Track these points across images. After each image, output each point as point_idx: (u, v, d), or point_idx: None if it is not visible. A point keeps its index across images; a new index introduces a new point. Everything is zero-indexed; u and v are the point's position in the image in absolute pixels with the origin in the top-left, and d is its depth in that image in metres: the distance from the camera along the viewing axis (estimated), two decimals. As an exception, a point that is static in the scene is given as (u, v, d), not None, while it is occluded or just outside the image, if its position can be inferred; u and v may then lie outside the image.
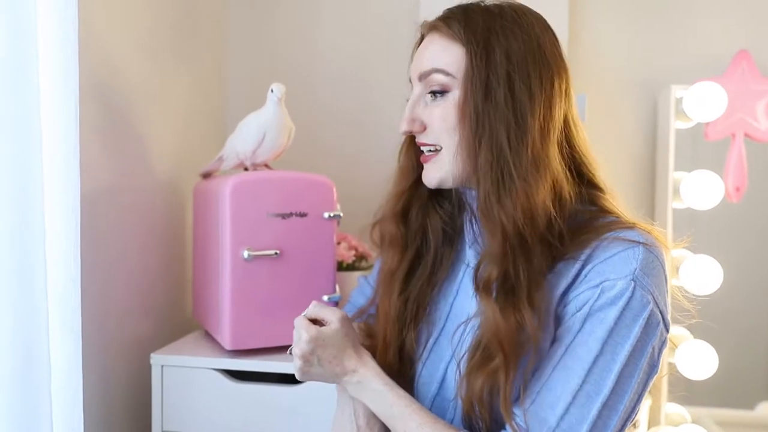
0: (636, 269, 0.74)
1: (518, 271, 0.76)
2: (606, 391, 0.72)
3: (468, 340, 0.82)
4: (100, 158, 1.17)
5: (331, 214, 1.19)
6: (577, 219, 0.81)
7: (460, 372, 0.81)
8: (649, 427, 1.54)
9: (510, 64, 0.78)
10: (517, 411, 0.74)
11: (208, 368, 1.16)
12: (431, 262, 0.93)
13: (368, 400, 0.85)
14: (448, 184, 0.84)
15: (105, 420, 1.19)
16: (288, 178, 1.19)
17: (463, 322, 0.84)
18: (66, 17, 0.85)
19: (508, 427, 0.74)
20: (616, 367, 0.72)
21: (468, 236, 0.89)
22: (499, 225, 0.77)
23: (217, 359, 1.16)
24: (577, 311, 0.75)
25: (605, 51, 1.67)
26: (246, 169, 1.28)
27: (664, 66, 1.66)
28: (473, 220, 0.85)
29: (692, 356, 1.45)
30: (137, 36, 1.30)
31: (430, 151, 0.84)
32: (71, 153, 0.87)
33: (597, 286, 0.75)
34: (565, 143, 0.83)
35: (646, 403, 1.51)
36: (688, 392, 1.51)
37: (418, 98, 0.84)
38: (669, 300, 0.79)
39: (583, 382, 0.72)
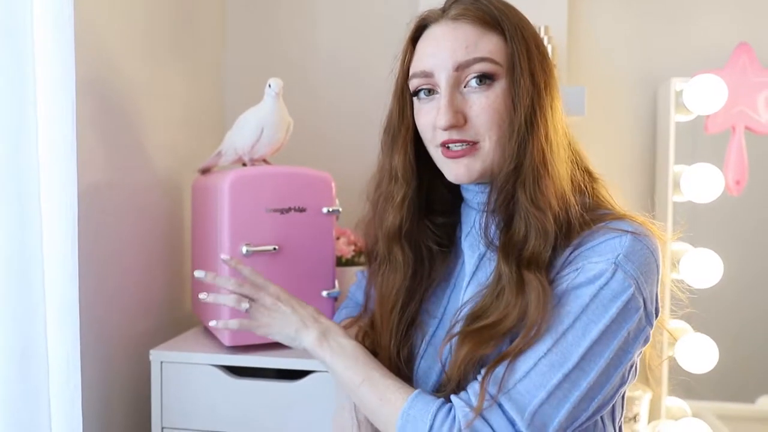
0: (620, 254, 0.74)
1: (529, 259, 0.78)
2: (570, 364, 0.72)
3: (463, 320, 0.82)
4: (98, 154, 1.17)
5: (330, 209, 1.19)
6: (571, 211, 0.81)
7: (451, 345, 0.82)
8: (649, 421, 1.54)
9: (539, 54, 0.81)
10: (488, 373, 0.75)
11: (207, 364, 1.15)
12: (428, 271, 0.92)
13: (329, 352, 0.86)
14: (485, 178, 0.83)
15: (104, 416, 1.19)
16: (286, 173, 1.18)
17: (459, 308, 0.84)
18: (62, 12, 0.84)
19: (470, 386, 0.76)
20: (585, 343, 0.72)
21: (470, 231, 0.89)
22: (546, 211, 0.77)
23: (216, 355, 1.15)
24: (557, 288, 0.76)
25: (605, 43, 1.66)
26: (244, 164, 1.28)
27: (664, 58, 1.65)
28: (485, 218, 0.84)
29: (693, 350, 1.45)
30: (135, 31, 1.29)
31: (462, 145, 0.81)
32: (68, 149, 0.87)
33: (578, 268, 0.76)
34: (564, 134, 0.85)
35: (645, 397, 1.51)
36: (688, 386, 1.51)
37: (454, 90, 0.81)
38: (658, 291, 0.78)
39: (549, 351, 0.73)
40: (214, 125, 1.67)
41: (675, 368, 1.47)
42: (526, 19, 0.84)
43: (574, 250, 0.78)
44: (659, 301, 0.79)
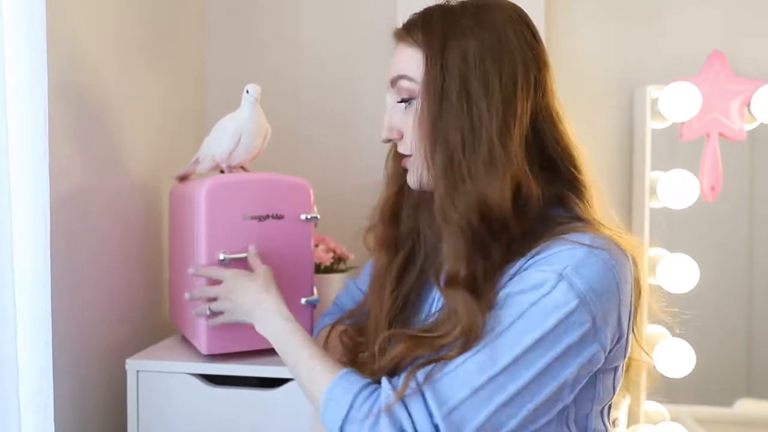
0: (568, 266, 0.72)
1: (476, 271, 0.76)
2: (498, 367, 0.71)
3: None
4: (73, 160, 1.15)
5: (308, 216, 1.18)
6: (546, 224, 0.80)
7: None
8: (628, 426, 1.54)
9: (465, 65, 0.77)
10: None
11: (184, 373, 1.14)
12: (421, 262, 0.92)
13: (270, 334, 0.91)
14: (426, 188, 0.84)
15: (78, 427, 1.17)
16: (264, 180, 1.18)
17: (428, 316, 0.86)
18: (33, 14, 0.83)
19: (403, 374, 0.76)
20: (517, 349, 0.71)
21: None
22: (457, 226, 0.77)
23: (194, 364, 1.14)
24: (500, 294, 0.76)
25: (581, 50, 1.68)
26: (222, 171, 1.27)
27: (639, 66, 1.67)
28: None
29: (670, 354, 1.46)
30: (111, 34, 1.28)
31: (406, 155, 0.86)
32: (40, 154, 0.86)
33: (526, 274, 0.75)
34: (536, 138, 0.81)
35: (624, 402, 1.52)
36: (666, 390, 1.52)
37: (393, 106, 0.84)
38: (622, 312, 0.75)
39: (479, 352, 0.72)
40: (194, 131, 1.65)
41: (653, 373, 1.47)
42: (478, 26, 0.78)
43: (529, 259, 0.77)
44: (625, 321, 0.77)
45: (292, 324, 0.90)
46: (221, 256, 1.10)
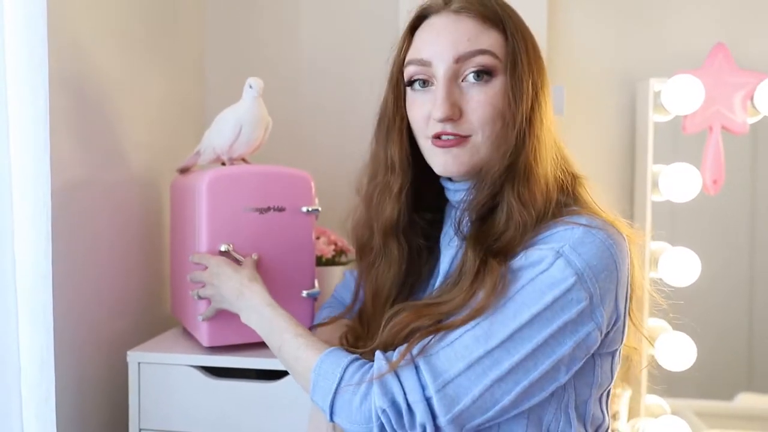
0: (565, 245, 0.73)
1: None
2: (494, 342, 0.71)
3: None
4: (74, 152, 1.15)
5: (310, 209, 1.18)
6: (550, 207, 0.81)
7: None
8: (629, 419, 1.54)
9: (536, 54, 0.82)
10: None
11: (185, 365, 1.14)
12: (417, 266, 0.93)
13: (255, 322, 0.92)
14: (471, 173, 0.83)
15: (80, 418, 1.18)
16: (265, 172, 1.17)
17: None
18: (34, 6, 0.82)
19: (398, 348, 0.76)
20: (514, 324, 0.71)
21: (447, 230, 0.89)
22: (532, 205, 0.78)
23: (195, 356, 1.14)
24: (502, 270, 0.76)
25: (584, 43, 1.68)
26: (223, 163, 1.26)
27: (642, 59, 1.66)
28: (460, 213, 0.84)
29: (671, 348, 1.46)
30: (112, 26, 1.28)
31: (452, 137, 0.81)
32: (41, 147, 0.85)
33: (525, 253, 0.75)
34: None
35: (625, 394, 1.52)
36: (667, 384, 1.52)
37: (452, 82, 0.81)
38: (620, 292, 0.76)
39: (477, 325, 0.72)
40: (195, 124, 1.65)
41: (654, 366, 1.48)
42: (523, 20, 0.85)
43: (532, 239, 0.78)
44: (622, 303, 0.77)
45: (275, 309, 0.90)
46: (222, 248, 1.10)
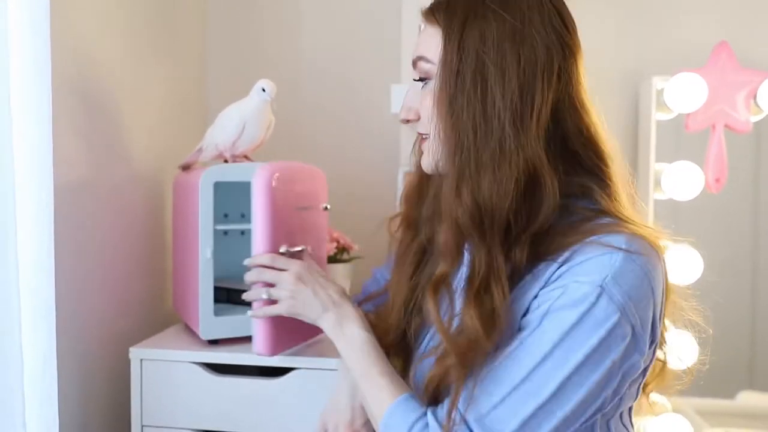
0: (608, 276, 0.69)
1: (476, 271, 0.74)
2: (545, 395, 0.69)
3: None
4: (76, 150, 1.15)
5: (326, 206, 1.16)
6: (571, 218, 0.77)
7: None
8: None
9: (484, 47, 0.74)
10: (463, 392, 0.73)
11: (187, 362, 1.14)
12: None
13: (344, 339, 0.87)
14: (441, 171, 0.81)
15: (82, 415, 1.18)
16: (306, 169, 1.15)
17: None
18: (38, 7, 0.83)
19: (445, 402, 0.74)
20: (563, 373, 0.69)
21: None
22: (453, 219, 0.75)
23: (197, 352, 1.14)
24: (539, 307, 0.72)
25: (586, 41, 1.66)
26: (225, 160, 1.27)
27: (645, 57, 1.66)
28: None
29: (674, 346, 1.46)
30: (114, 26, 1.28)
31: (423, 137, 0.84)
32: (44, 146, 0.85)
33: (563, 285, 0.71)
34: (557, 129, 0.77)
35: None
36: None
37: (412, 86, 0.83)
38: (656, 314, 0.73)
39: (525, 379, 0.70)
40: (197, 122, 1.65)
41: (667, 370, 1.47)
42: (501, 8, 0.75)
43: (563, 264, 0.73)
44: (658, 324, 0.75)
45: (370, 335, 0.87)
46: (282, 249, 1.00)
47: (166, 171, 1.44)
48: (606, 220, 0.76)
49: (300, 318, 0.94)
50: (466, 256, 0.85)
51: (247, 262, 0.98)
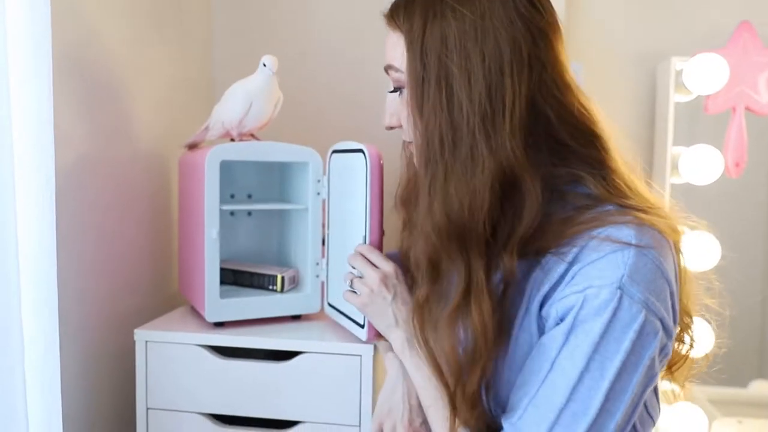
0: (623, 276, 0.66)
1: (457, 287, 0.72)
2: (594, 410, 0.66)
3: None
4: (78, 128, 1.13)
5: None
6: (567, 207, 0.74)
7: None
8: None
9: (446, 50, 0.69)
10: (506, 425, 0.71)
11: (193, 344, 1.12)
12: None
13: (411, 362, 0.84)
14: None
15: (86, 397, 1.16)
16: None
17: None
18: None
19: None
20: (605, 384, 0.66)
21: None
22: (425, 235, 0.72)
23: (203, 335, 1.13)
24: (561, 320, 0.69)
25: (603, 20, 1.63)
26: (232, 139, 1.24)
27: (664, 37, 1.61)
28: None
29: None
30: (116, 1, 1.24)
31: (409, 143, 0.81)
32: (44, 124, 0.82)
33: (581, 292, 0.68)
34: (538, 121, 0.72)
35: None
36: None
37: (392, 91, 0.81)
38: (675, 301, 0.71)
39: (569, 400, 0.67)
40: (203, 100, 1.62)
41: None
42: (460, 3, 0.70)
43: (573, 263, 0.70)
44: (677, 311, 0.72)
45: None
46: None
47: (172, 150, 1.41)
48: (608, 207, 0.73)
49: (369, 319, 0.92)
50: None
51: (362, 249, 0.96)
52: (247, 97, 1.18)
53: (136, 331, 1.14)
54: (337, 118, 1.65)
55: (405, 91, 0.75)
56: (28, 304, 0.83)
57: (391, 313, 0.88)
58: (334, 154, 1.13)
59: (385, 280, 0.89)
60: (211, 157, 1.10)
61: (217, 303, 1.13)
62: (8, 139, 0.79)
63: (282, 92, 1.22)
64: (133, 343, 1.14)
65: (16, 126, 0.80)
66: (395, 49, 0.75)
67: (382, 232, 0.98)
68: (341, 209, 1.11)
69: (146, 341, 1.14)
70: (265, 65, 1.16)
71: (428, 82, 0.70)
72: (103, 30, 1.20)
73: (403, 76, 0.75)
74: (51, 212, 0.84)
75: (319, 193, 1.17)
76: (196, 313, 1.25)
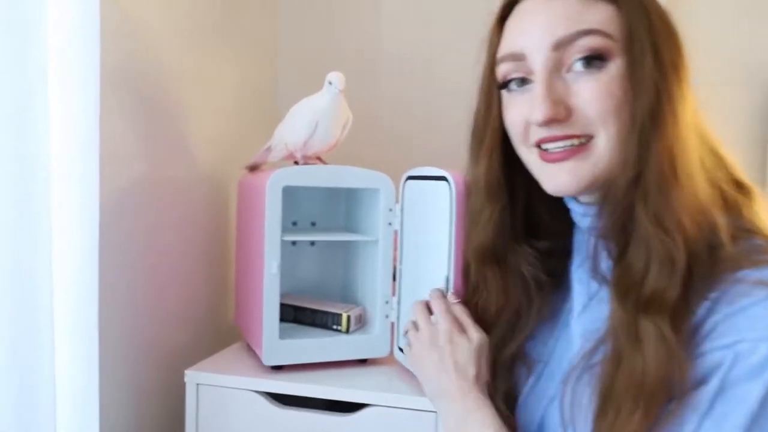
0: None
1: (681, 296, 0.58)
2: None
3: (582, 391, 0.63)
4: (128, 147, 1.04)
5: (392, 216, 1.03)
6: (712, 237, 0.60)
7: (564, 421, 0.64)
8: None
9: (665, 27, 0.63)
10: None
11: (248, 390, 1.01)
12: (532, 305, 0.74)
13: None
14: (594, 189, 0.64)
15: (133, 441, 1.07)
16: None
17: (576, 366, 0.64)
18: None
19: None
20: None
21: (582, 262, 0.71)
22: (677, 232, 0.58)
23: (259, 380, 1.01)
24: (706, 378, 0.55)
25: (710, 30, 1.46)
26: (296, 162, 1.13)
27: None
28: (594, 246, 0.66)
29: None
30: (174, 12, 1.16)
31: (566, 144, 0.63)
32: (90, 143, 0.74)
33: (730, 346, 0.55)
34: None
35: None
36: None
37: (554, 75, 0.63)
38: None
39: None
40: (265, 118, 1.53)
41: None
42: None
43: (716, 303, 0.58)
44: None
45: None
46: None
47: (231, 172, 1.32)
48: (754, 241, 0.60)
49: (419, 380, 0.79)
50: (575, 286, 0.71)
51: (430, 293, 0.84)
52: (312, 117, 1.08)
53: (186, 372, 1.04)
54: (411, 142, 1.53)
55: (616, 64, 0.61)
56: (63, 345, 0.73)
57: (435, 379, 0.75)
58: (409, 181, 1.01)
59: (434, 339, 0.76)
60: (272, 183, 1.00)
61: (275, 345, 1.02)
62: (45, 157, 0.71)
63: (351, 112, 1.11)
64: (183, 383, 1.04)
65: (55, 143, 0.71)
66: (591, 13, 0.62)
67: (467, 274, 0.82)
68: (416, 242, 0.98)
69: (197, 384, 1.03)
70: (330, 83, 1.06)
71: (664, 58, 0.61)
72: (157, 40, 1.12)
73: (613, 46, 0.61)
74: (93, 239, 0.76)
75: (390, 224, 1.05)
76: (252, 353, 1.14)
